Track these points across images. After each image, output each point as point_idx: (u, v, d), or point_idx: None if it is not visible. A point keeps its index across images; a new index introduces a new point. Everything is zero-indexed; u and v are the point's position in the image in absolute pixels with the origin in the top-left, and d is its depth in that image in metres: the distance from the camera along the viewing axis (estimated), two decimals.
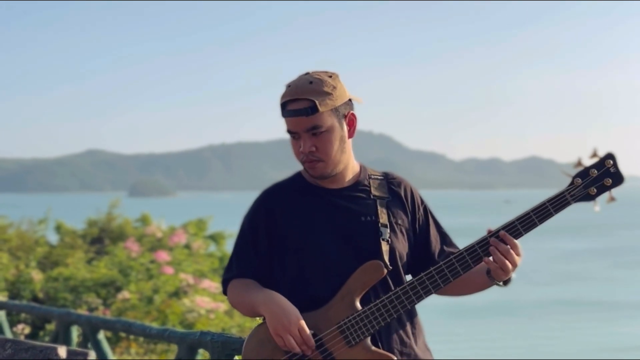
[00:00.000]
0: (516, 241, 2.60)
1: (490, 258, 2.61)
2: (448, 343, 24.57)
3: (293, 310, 2.57)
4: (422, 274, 2.61)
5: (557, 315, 31.09)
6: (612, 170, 2.57)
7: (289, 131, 2.66)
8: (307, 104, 2.61)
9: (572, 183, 2.58)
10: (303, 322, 2.56)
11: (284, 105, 2.64)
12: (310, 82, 2.63)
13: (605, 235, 73.30)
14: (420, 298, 2.61)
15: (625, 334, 26.69)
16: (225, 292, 2.81)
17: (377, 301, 2.60)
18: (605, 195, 2.60)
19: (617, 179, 2.57)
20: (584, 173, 2.58)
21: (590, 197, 2.58)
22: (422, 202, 2.83)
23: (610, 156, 2.57)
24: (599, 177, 2.57)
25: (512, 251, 2.59)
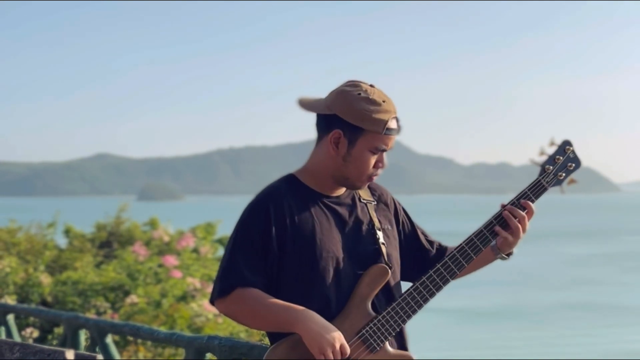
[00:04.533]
0: (533, 206, 2.77)
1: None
2: (459, 347, 24.52)
3: (333, 327, 2.56)
4: (431, 271, 2.70)
5: (568, 319, 31.00)
6: (571, 155, 2.82)
7: (377, 147, 2.65)
8: (399, 123, 2.70)
9: (544, 170, 2.80)
10: (344, 339, 2.56)
11: (385, 122, 2.62)
12: (392, 101, 2.69)
13: (614, 240, 73.14)
14: (432, 294, 2.69)
15: (637, 338, 26.59)
16: (217, 298, 2.66)
17: (394, 304, 2.65)
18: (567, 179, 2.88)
19: (577, 162, 2.83)
20: (551, 160, 2.81)
21: (559, 182, 2.82)
22: (399, 204, 2.92)
23: (568, 143, 2.82)
24: (564, 162, 2.82)
25: (527, 218, 2.78)
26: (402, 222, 2.88)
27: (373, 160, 2.66)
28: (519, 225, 2.75)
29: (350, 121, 2.62)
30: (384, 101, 2.64)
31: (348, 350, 2.56)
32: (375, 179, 2.73)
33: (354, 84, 2.68)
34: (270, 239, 2.63)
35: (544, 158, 2.82)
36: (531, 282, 40.61)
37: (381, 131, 2.61)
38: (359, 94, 2.63)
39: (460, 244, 2.73)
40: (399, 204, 2.91)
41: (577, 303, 34.73)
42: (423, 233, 2.93)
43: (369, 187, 2.84)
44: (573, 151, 2.81)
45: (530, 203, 2.77)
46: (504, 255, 2.82)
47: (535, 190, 2.79)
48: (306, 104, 2.72)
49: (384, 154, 2.69)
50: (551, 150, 2.82)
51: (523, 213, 2.76)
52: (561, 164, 2.80)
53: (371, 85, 2.68)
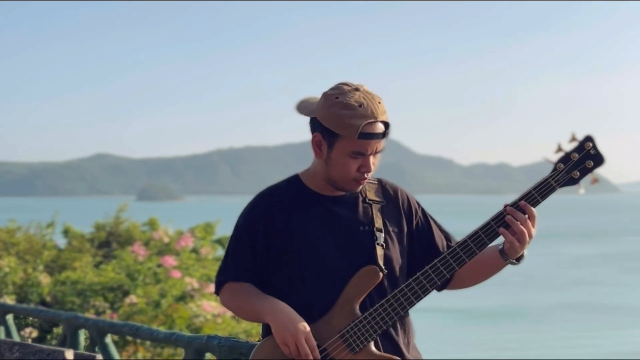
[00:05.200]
0: (534, 210, 2.60)
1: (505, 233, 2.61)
2: (458, 347, 24.51)
3: (299, 319, 2.58)
4: (418, 273, 2.62)
5: (568, 319, 31.01)
6: (592, 152, 2.57)
7: (355, 152, 2.59)
8: (382, 128, 2.59)
9: (555, 169, 2.59)
10: (309, 331, 2.57)
11: (357, 127, 2.55)
12: (379, 102, 2.60)
13: (614, 241, 73.17)
14: (419, 297, 2.61)
15: (636, 337, 26.59)
16: (217, 294, 2.81)
17: (377, 305, 2.61)
18: (588, 178, 2.63)
19: (598, 160, 2.58)
20: (566, 158, 2.59)
21: (574, 181, 2.59)
22: (419, 205, 2.85)
23: (589, 139, 2.58)
24: (581, 160, 2.58)
25: (529, 221, 2.60)
26: (418, 223, 2.81)
27: (354, 164, 2.61)
28: (524, 229, 2.59)
29: (326, 125, 2.60)
30: (360, 105, 2.56)
31: (313, 344, 2.56)
32: (365, 182, 2.67)
33: (336, 87, 2.64)
34: (257, 239, 2.68)
35: (560, 155, 2.60)
36: (531, 283, 40.60)
37: (354, 136, 2.56)
38: (337, 97, 2.59)
39: (454, 247, 2.63)
40: (418, 205, 2.83)
41: (576, 303, 34.74)
42: (446, 237, 2.84)
43: (383, 187, 2.79)
44: (594, 147, 2.57)
45: (530, 207, 2.59)
46: (513, 261, 2.68)
47: (542, 190, 2.59)
48: (299, 107, 2.73)
49: (371, 157, 2.62)
50: (570, 146, 2.60)
51: (524, 216, 2.59)
52: (577, 161, 2.57)
53: (356, 88, 2.62)
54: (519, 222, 2.59)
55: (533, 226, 2.61)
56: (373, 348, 2.62)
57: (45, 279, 11.95)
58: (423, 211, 2.84)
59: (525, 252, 2.68)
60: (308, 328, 2.57)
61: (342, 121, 2.56)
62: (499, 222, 2.62)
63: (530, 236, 2.62)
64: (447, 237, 2.85)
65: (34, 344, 3.79)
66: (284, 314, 2.58)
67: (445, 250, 2.78)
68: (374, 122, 2.57)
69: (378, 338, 2.63)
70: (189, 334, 5.55)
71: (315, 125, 2.66)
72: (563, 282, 42.14)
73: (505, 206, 2.63)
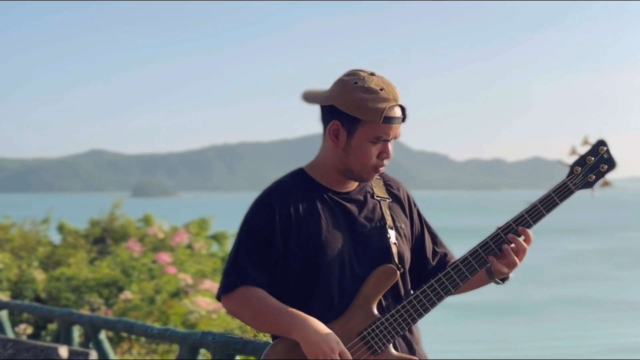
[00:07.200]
0: (530, 233, 2.63)
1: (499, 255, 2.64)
2: (453, 343, 24.55)
3: (332, 335, 2.49)
4: (440, 274, 2.61)
5: (563, 315, 31.06)
6: (605, 156, 2.65)
7: (377, 137, 2.55)
8: (402, 112, 2.59)
9: (572, 172, 2.64)
10: (343, 347, 2.49)
11: (382, 111, 2.51)
12: (394, 87, 2.58)
13: (610, 236, 73.30)
14: (440, 299, 2.62)
15: (632, 334, 26.64)
16: (221, 295, 2.63)
17: (399, 306, 2.58)
18: (600, 181, 2.69)
19: (611, 164, 2.66)
20: (582, 161, 2.65)
21: (589, 184, 2.65)
22: (415, 204, 2.81)
23: (602, 142, 2.65)
24: (596, 163, 2.65)
25: (526, 249, 2.63)
26: (414, 223, 2.78)
27: (375, 150, 2.57)
28: (517, 261, 2.63)
29: (346, 111, 2.54)
30: (381, 89, 2.53)
31: (349, 356, 2.49)
32: (382, 169, 2.63)
33: (352, 73, 2.59)
34: (274, 237, 2.58)
35: (574, 158, 2.66)
36: (526, 278, 40.64)
37: (378, 120, 2.52)
38: (356, 82, 2.55)
39: (456, 262, 2.63)
40: (415, 204, 2.80)
41: (571, 299, 34.81)
42: (434, 241, 2.81)
43: (386, 183, 2.75)
44: (607, 151, 2.64)
45: (528, 230, 2.62)
46: (498, 280, 2.68)
47: (561, 193, 2.63)
48: (308, 96, 2.66)
49: (389, 143, 2.60)
50: (583, 150, 2.66)
51: (525, 245, 2.62)
52: (592, 165, 2.64)
53: (371, 74, 2.58)
54: (513, 255, 2.61)
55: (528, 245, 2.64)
56: (392, 349, 2.59)
57: (39, 275, 11.93)
58: (418, 212, 2.81)
59: (512, 275, 2.68)
60: (341, 344, 2.49)
61: (365, 105, 2.52)
62: (489, 250, 2.63)
63: (520, 261, 2.64)
64: (435, 240, 2.82)
65: (28, 340, 3.79)
66: (314, 331, 2.48)
67: (431, 255, 2.78)
68: (396, 105, 2.56)
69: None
70: (184, 330, 5.56)
71: (331, 113, 2.58)
72: (558, 277, 42.21)
73: (498, 228, 2.63)
